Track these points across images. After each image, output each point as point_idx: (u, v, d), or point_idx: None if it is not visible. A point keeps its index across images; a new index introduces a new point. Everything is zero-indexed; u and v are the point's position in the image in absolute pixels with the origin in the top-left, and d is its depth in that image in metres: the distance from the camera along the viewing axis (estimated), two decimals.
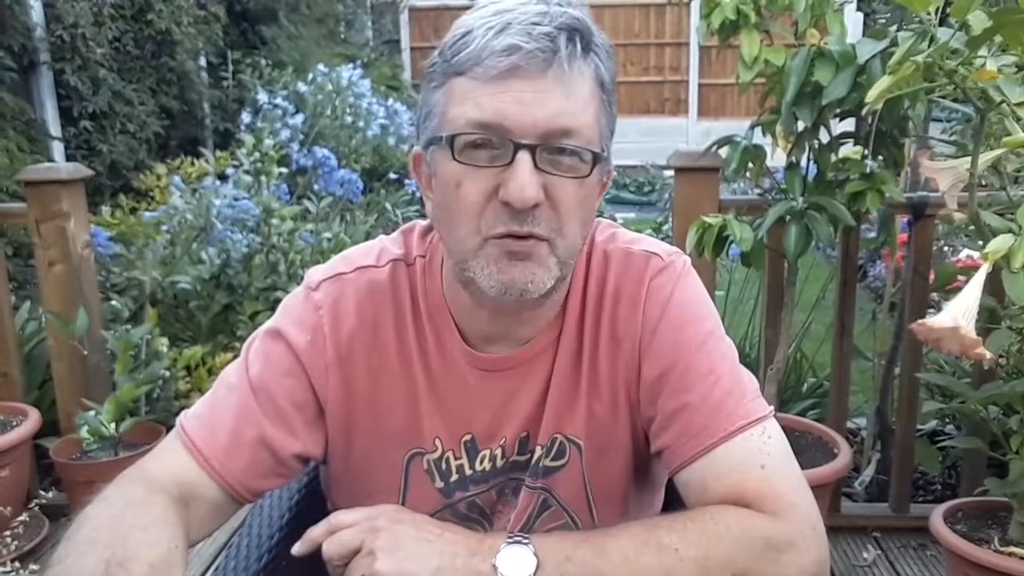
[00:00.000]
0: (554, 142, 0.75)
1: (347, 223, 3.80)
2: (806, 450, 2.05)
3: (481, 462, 0.91)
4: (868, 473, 2.35)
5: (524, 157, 0.74)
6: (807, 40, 1.73)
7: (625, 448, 0.91)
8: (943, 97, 1.55)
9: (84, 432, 2.27)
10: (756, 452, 0.81)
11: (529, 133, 0.74)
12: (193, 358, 2.73)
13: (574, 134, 0.76)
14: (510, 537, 0.76)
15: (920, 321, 1.27)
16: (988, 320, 1.66)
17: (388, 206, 4.47)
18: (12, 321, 2.51)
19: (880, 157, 1.83)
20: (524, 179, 0.74)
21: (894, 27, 1.77)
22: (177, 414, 0.90)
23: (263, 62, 5.30)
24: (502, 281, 0.78)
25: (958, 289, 1.27)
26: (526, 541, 0.75)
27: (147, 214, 3.34)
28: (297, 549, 0.79)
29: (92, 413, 2.29)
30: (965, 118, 2.01)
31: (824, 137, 1.85)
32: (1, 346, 2.45)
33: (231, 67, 5.35)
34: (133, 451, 2.28)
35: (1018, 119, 1.33)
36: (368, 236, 3.30)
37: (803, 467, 0.85)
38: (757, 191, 2.15)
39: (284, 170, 3.35)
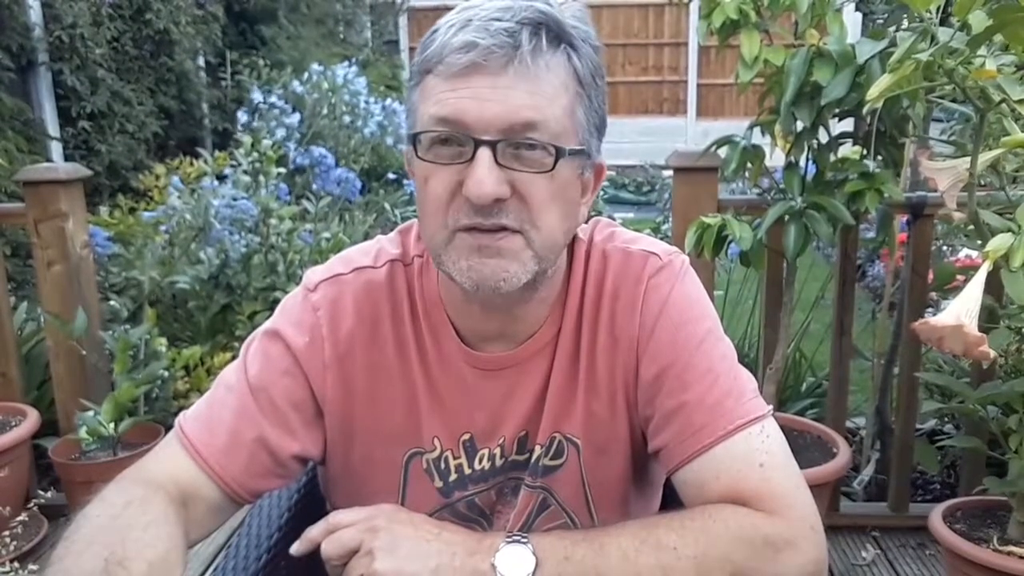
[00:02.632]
0: (516, 137, 0.75)
1: (346, 223, 3.80)
2: (805, 449, 2.05)
3: (480, 461, 0.90)
4: (867, 472, 2.35)
5: (484, 153, 0.74)
6: (806, 40, 1.73)
7: (623, 447, 0.91)
8: (942, 97, 1.55)
9: (83, 432, 2.27)
10: (754, 451, 0.81)
11: (489, 129, 0.74)
12: (192, 358, 2.73)
13: (538, 128, 0.75)
14: (509, 536, 0.76)
15: (923, 320, 1.27)
16: (987, 319, 1.66)
17: (387, 206, 4.48)
18: (11, 321, 2.51)
19: (879, 157, 1.83)
20: (482, 175, 0.74)
21: (892, 27, 1.77)
22: (176, 414, 0.90)
23: (261, 62, 5.30)
24: (472, 278, 0.78)
25: (957, 288, 1.27)
26: (525, 540, 0.75)
27: (146, 214, 3.34)
28: (296, 549, 0.79)
29: (91, 413, 2.29)
30: (964, 118, 2.01)
31: (823, 137, 1.85)
32: (0, 346, 2.45)
33: (230, 67, 5.34)
34: (132, 451, 2.28)
35: (1018, 118, 1.33)
36: (367, 236, 3.30)
37: (802, 466, 0.85)
38: (756, 191, 2.15)
39: (282, 170, 3.35)
